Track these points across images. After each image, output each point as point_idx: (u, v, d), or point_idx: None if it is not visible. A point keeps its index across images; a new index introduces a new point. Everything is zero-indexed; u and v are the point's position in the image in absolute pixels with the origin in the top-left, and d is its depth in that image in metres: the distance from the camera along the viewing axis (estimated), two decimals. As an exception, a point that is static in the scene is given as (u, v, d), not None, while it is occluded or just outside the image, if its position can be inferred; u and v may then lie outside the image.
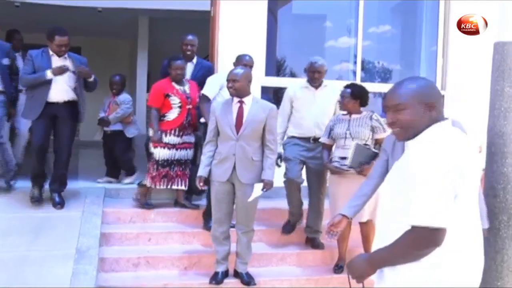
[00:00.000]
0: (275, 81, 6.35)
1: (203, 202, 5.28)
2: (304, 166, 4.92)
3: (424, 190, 1.82)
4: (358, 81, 6.65)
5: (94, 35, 10.95)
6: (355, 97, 4.54)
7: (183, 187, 5.19)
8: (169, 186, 5.15)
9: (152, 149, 5.09)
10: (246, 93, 4.27)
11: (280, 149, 4.87)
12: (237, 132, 4.20)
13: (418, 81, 2.05)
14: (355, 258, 2.15)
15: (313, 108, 4.87)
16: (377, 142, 4.54)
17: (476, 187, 1.97)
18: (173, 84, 5.07)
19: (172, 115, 5.06)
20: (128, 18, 9.58)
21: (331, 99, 4.94)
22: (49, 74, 4.85)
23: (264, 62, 6.14)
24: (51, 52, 4.95)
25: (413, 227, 1.84)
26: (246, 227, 4.37)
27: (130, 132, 6.17)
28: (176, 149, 5.09)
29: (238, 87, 4.19)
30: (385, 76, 7.41)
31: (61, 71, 4.88)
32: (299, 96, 4.92)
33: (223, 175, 4.23)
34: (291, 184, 4.81)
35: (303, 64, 5.31)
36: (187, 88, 5.14)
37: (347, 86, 4.66)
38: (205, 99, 4.94)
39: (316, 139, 4.86)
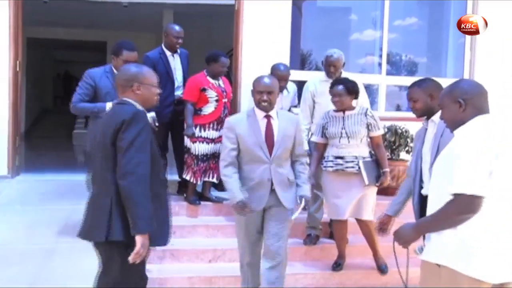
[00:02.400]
0: (299, 75, 6.32)
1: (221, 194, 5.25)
2: None
3: (464, 165, 2.22)
4: (383, 74, 6.58)
5: (120, 30, 11.05)
6: (350, 92, 4.28)
7: (214, 180, 5.13)
8: (203, 179, 5.11)
9: (189, 144, 5.02)
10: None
11: (306, 146, 4.61)
12: (270, 154, 3.62)
13: (455, 83, 2.52)
14: (402, 226, 2.55)
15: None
16: (373, 141, 4.36)
17: None
18: (208, 78, 5.02)
19: (209, 109, 4.99)
20: (153, 12, 9.63)
21: None
22: (108, 106, 4.06)
23: (289, 55, 6.10)
24: (115, 72, 4.30)
25: (455, 196, 2.23)
26: (276, 259, 3.65)
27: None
28: (215, 143, 5.00)
29: (273, 100, 3.62)
30: (411, 69, 7.31)
31: None
32: (320, 91, 4.76)
33: (258, 204, 3.62)
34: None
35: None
36: (221, 82, 5.11)
37: (336, 83, 4.31)
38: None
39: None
